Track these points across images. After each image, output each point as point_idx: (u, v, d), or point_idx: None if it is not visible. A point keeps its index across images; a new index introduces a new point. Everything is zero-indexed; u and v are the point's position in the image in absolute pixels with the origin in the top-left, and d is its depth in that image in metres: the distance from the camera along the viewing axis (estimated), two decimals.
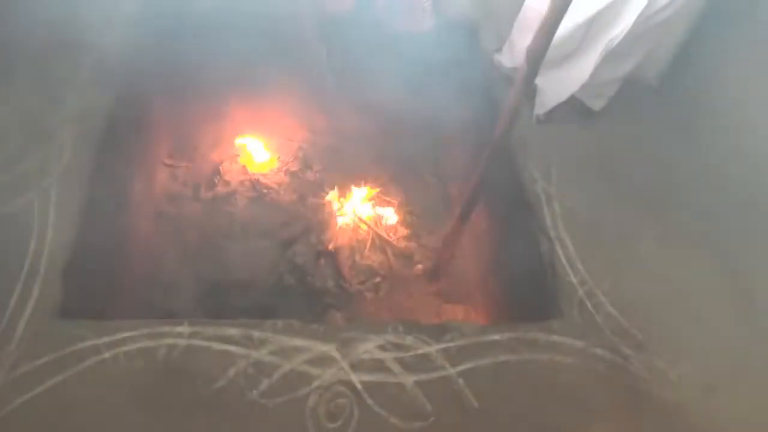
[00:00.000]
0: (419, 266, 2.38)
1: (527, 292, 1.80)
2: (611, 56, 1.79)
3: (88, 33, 1.95)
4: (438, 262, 2.27)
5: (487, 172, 1.76)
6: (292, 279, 2.34)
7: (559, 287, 1.61)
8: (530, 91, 1.97)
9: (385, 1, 2.23)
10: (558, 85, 1.95)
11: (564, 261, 1.67)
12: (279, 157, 2.81)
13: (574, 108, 2.02)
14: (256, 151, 2.79)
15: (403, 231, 2.56)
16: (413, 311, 2.25)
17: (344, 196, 2.61)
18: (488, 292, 2.16)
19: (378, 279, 2.41)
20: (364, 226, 2.49)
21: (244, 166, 2.75)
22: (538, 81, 1.93)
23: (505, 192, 2.00)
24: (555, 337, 1.52)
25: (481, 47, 2.24)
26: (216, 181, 2.69)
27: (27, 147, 1.68)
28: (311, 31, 2.31)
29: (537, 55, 1.41)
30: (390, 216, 2.56)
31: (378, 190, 2.62)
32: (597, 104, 2.01)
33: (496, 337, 1.49)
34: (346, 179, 2.67)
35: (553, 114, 2.04)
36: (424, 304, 2.30)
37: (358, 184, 2.66)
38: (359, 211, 2.56)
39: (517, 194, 1.89)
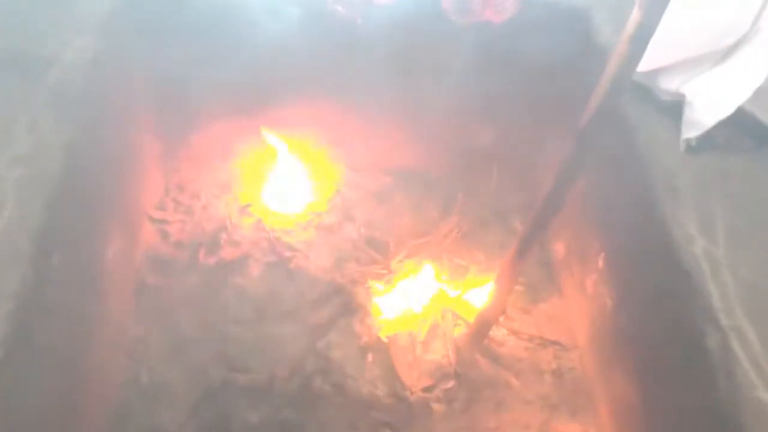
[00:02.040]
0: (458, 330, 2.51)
1: (688, 411, 1.67)
2: None
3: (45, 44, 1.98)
4: (484, 320, 2.36)
5: (560, 186, 1.75)
6: (326, 383, 2.37)
7: (740, 405, 1.47)
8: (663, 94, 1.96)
9: None
10: (718, 93, 1.86)
11: (746, 363, 1.52)
12: (308, 206, 2.93)
13: (744, 128, 1.92)
14: (277, 198, 2.92)
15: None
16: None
17: (401, 261, 2.69)
18: (625, 405, 2.06)
19: (451, 383, 2.40)
20: (435, 311, 2.60)
21: (259, 220, 2.86)
22: (686, 89, 1.90)
23: (644, 257, 1.93)
24: None
25: (594, 37, 2.20)
26: (221, 241, 2.78)
27: None
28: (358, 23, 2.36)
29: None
30: (470, 289, 2.65)
31: (449, 249, 2.74)
32: None
33: None
34: (402, 235, 2.78)
35: (712, 138, 1.93)
36: (522, 418, 2.31)
37: (419, 243, 2.77)
38: (424, 283, 2.64)
39: (665, 260, 1.77)
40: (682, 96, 1.93)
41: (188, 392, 2.29)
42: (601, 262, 2.20)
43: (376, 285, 2.65)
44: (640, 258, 1.96)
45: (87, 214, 1.98)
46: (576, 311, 2.55)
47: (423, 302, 2.60)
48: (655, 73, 1.95)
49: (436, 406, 2.35)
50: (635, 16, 1.38)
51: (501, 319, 2.45)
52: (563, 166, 1.72)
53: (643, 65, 1.67)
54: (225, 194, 2.95)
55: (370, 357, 2.47)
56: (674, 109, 1.97)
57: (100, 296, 2.14)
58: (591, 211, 2.34)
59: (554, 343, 2.60)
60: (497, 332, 2.58)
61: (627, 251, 2.03)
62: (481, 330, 2.43)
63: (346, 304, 2.60)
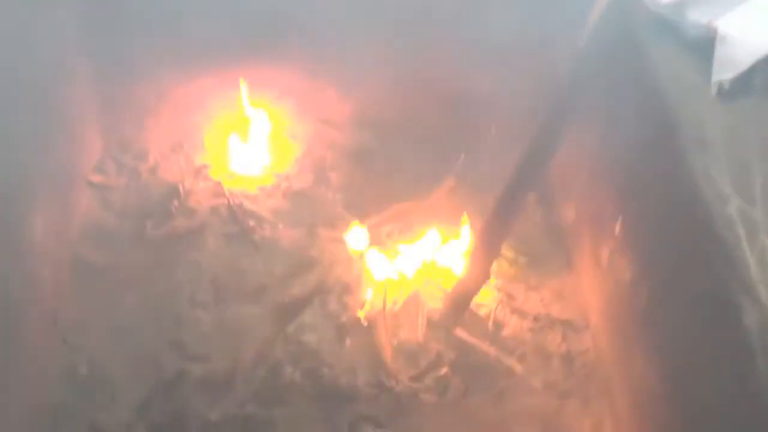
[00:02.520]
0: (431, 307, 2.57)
1: (721, 400, 1.63)
2: None
3: None
4: (462, 290, 2.45)
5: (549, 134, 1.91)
6: (298, 372, 2.36)
7: None
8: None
9: None
10: (757, 27, 1.83)
11: None
12: (275, 168, 2.95)
13: None
14: (239, 157, 2.92)
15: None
16: (508, 428, 2.29)
17: (383, 228, 2.73)
18: (646, 393, 2.06)
19: (444, 370, 2.40)
20: (434, 283, 2.66)
21: (218, 185, 2.87)
22: (719, 22, 1.86)
23: (669, 221, 1.91)
24: None
25: None
26: (173, 209, 2.77)
27: None
28: None
29: None
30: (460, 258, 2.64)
31: (441, 215, 2.77)
32: None
33: None
34: (385, 200, 2.81)
35: (748, 80, 1.86)
36: (527, 409, 2.35)
37: (405, 208, 2.80)
38: (413, 254, 2.65)
39: (693, 224, 1.74)
40: (714, 31, 1.88)
41: (135, 387, 2.28)
42: (618, 228, 2.19)
43: (355, 257, 2.66)
44: (664, 222, 1.94)
45: (8, 177, 1.98)
46: (589, 286, 2.57)
47: (409, 275, 2.63)
48: (682, 3, 1.93)
49: (427, 397, 2.35)
50: None
51: (491, 287, 2.59)
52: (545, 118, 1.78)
53: None
54: (177, 154, 2.96)
55: (348, 341, 2.48)
56: (704, 46, 1.92)
57: (28, 274, 2.14)
58: (606, 168, 2.35)
59: (564, 322, 2.61)
60: (500, 314, 2.62)
61: (648, 215, 2.03)
62: (459, 302, 2.48)
63: (320, 280, 2.62)
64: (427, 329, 2.53)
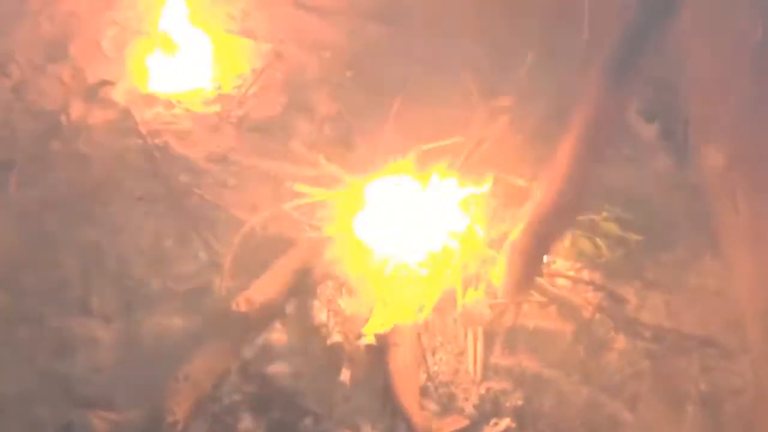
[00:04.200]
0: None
1: None
2: None
3: None
4: (537, 223, 2.47)
5: None
6: (261, 428, 2.36)
7: None
8: None
9: None
10: None
11: None
12: (221, 84, 3.08)
13: None
14: (161, 67, 3.05)
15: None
16: None
17: (385, 180, 2.75)
18: None
19: (506, 423, 2.43)
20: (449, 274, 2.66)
21: (126, 111, 2.94)
22: None
23: None
24: None
25: None
26: (52, 153, 2.81)
27: None
28: None
29: None
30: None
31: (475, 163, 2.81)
32: None
33: None
34: (392, 141, 2.91)
35: None
36: None
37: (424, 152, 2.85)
38: (431, 224, 2.70)
39: None
40: None
41: None
42: None
43: (354, 239, 2.67)
44: None
45: None
46: (746, 283, 2.53)
47: (429, 262, 2.67)
48: None
49: None
50: None
51: (580, 284, 2.61)
52: None
53: None
54: (57, 66, 3.03)
55: (345, 374, 2.47)
56: None
57: None
58: None
59: (703, 342, 2.59)
60: (598, 328, 2.62)
61: None
62: (536, 244, 2.49)
63: (296, 274, 2.60)
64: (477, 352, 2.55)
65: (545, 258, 2.59)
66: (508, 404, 2.52)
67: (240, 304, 2.53)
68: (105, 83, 2.96)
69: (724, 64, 2.64)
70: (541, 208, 2.42)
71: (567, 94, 2.54)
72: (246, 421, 2.39)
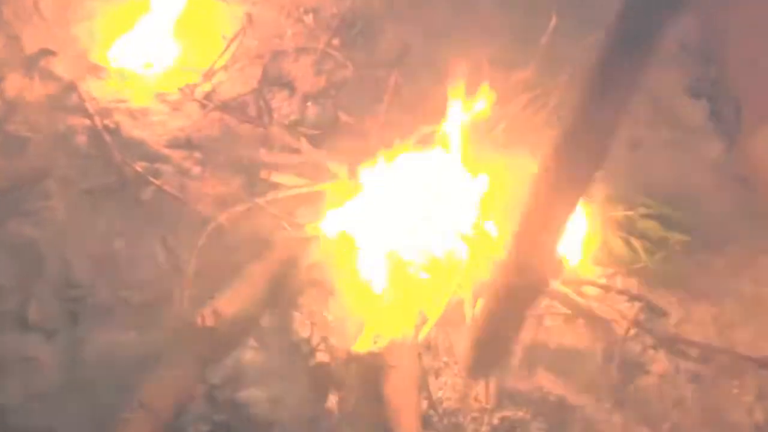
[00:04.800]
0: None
1: None
2: None
3: None
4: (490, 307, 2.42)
5: None
6: None
7: None
8: None
9: None
10: None
11: None
12: (186, 57, 3.09)
13: None
14: (116, 36, 3.05)
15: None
16: None
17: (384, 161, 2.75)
18: None
19: None
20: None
21: (71, 86, 2.92)
22: None
23: None
24: None
25: None
26: None
27: None
28: None
29: None
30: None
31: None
32: None
33: None
34: (396, 114, 2.93)
35: None
36: None
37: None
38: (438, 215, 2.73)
39: None
40: None
41: None
42: None
43: (334, 231, 2.68)
44: None
45: None
46: None
47: (433, 266, 2.68)
48: None
49: None
50: None
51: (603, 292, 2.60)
52: None
53: None
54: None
55: (332, 400, 2.51)
56: None
57: None
58: None
59: (761, 364, 2.58)
60: (635, 347, 2.59)
61: None
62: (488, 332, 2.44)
63: (273, 281, 2.63)
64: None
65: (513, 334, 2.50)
66: None
67: (206, 317, 2.50)
68: (45, 53, 2.95)
69: None
70: (509, 273, 2.29)
71: None
72: None
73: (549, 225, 2.20)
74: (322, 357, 2.56)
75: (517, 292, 2.32)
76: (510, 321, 2.43)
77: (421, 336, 2.62)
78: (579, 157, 2.07)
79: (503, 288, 2.33)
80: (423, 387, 2.56)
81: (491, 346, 2.49)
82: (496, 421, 2.52)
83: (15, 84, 2.90)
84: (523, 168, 2.75)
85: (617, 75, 2.01)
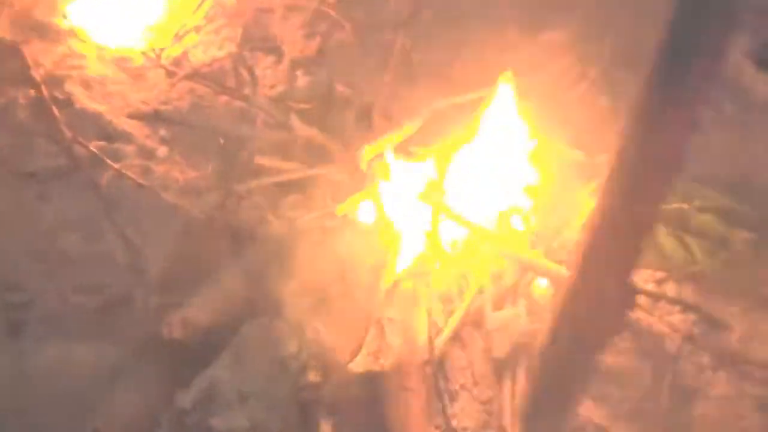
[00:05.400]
0: None
1: None
2: None
3: None
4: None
5: None
6: None
7: None
8: None
9: None
10: None
11: None
12: (149, 13, 3.10)
13: None
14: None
15: None
16: None
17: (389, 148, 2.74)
18: None
19: None
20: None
21: (15, 48, 2.93)
22: None
23: None
24: None
25: None
26: None
27: None
28: None
29: None
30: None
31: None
32: None
33: None
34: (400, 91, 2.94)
35: None
36: None
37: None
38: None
39: None
40: None
41: None
42: None
43: (328, 225, 2.68)
44: None
45: None
46: None
47: (449, 268, 2.70)
48: None
49: None
50: None
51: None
52: None
53: None
54: None
55: (325, 428, 2.54)
56: None
57: None
58: None
59: None
60: (690, 366, 2.59)
61: None
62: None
63: (250, 287, 2.60)
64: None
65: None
66: None
67: (174, 328, 2.50)
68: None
69: None
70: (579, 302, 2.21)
71: (645, 28, 2.31)
72: None
73: (626, 244, 2.10)
74: (312, 376, 2.53)
75: (588, 327, 2.25)
76: (578, 363, 2.38)
77: (435, 352, 2.59)
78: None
79: (571, 321, 2.27)
80: (435, 414, 2.54)
81: (554, 394, 2.46)
82: None
83: None
84: (556, 154, 2.76)
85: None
